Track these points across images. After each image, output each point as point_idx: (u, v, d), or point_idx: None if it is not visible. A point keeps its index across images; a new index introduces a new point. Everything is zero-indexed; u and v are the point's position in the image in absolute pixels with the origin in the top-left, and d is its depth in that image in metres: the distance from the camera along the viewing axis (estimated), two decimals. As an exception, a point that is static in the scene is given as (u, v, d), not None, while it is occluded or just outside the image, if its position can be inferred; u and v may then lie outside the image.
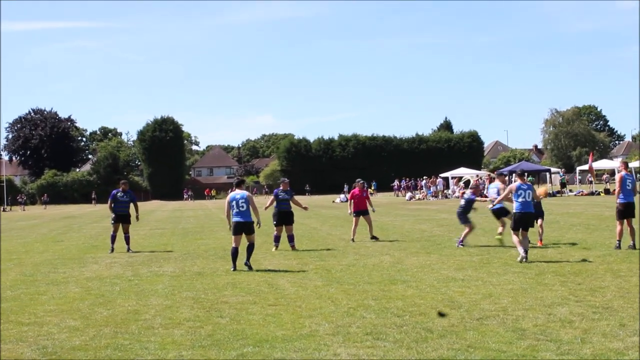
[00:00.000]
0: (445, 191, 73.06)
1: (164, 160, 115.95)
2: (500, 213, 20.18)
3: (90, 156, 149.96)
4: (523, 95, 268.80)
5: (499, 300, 11.68)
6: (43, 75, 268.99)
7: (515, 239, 16.94)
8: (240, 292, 13.31)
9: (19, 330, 10.40)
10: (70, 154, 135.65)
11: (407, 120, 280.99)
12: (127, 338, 9.66)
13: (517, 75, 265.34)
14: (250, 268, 16.57)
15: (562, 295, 11.90)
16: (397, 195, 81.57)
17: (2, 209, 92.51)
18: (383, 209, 48.03)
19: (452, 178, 76.89)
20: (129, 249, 22.36)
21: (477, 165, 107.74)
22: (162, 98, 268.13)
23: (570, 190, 67.08)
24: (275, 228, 21.14)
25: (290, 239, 21.25)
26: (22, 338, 9.87)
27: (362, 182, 24.57)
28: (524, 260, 16.33)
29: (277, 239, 21.15)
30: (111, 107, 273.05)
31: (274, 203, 21.53)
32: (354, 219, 23.61)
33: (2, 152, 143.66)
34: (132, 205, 22.71)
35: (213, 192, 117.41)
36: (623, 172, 18.74)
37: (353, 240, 23.13)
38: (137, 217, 23.00)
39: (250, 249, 16.85)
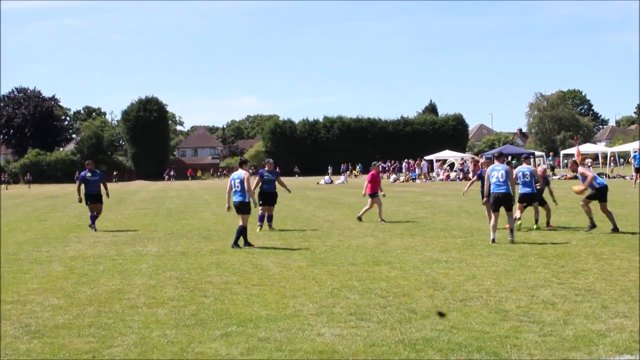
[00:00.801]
0: (429, 174, 73.20)
1: (148, 141, 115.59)
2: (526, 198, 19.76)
3: (74, 136, 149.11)
4: (508, 79, 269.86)
5: (483, 281, 11.73)
6: (27, 54, 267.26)
7: (492, 221, 17.06)
8: (225, 272, 13.30)
9: (2, 309, 10.36)
10: (54, 133, 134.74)
11: (392, 103, 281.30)
12: (111, 317, 9.64)
13: (503, 59, 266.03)
14: (238, 246, 16.76)
15: (545, 278, 11.96)
16: (382, 178, 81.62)
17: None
18: (367, 190, 48.06)
19: (437, 161, 77.10)
20: (94, 228, 22.45)
21: (461, 148, 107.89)
22: (146, 78, 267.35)
23: (554, 174, 67.32)
24: (259, 208, 21.13)
25: (269, 218, 21.45)
26: (5, 316, 9.84)
27: (378, 164, 24.59)
28: (493, 242, 16.69)
29: (261, 219, 21.22)
30: (95, 86, 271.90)
31: (260, 183, 21.50)
32: (369, 200, 23.54)
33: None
34: (102, 184, 22.84)
35: (199, 173, 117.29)
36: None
37: (360, 219, 23.17)
38: (107, 194, 23.29)
39: (241, 231, 16.94)
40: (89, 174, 22.73)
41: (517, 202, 18.98)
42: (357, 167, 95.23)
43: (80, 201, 23.08)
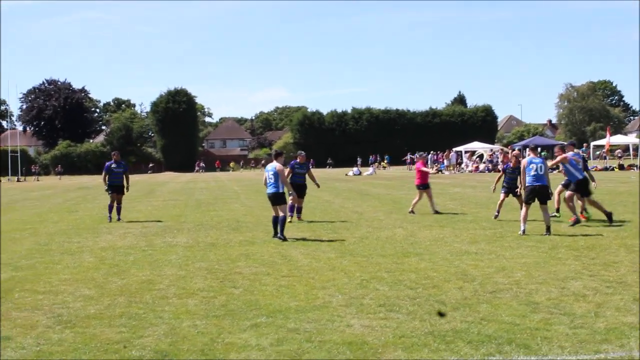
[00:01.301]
0: (458, 165, 72.94)
1: (177, 132, 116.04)
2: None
3: (104, 127, 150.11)
4: (538, 70, 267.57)
5: (512, 273, 11.68)
6: (57, 46, 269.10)
7: (523, 212, 17.07)
8: (254, 263, 13.35)
9: (34, 299, 10.47)
10: (84, 124, 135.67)
11: (421, 94, 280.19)
12: (142, 307, 9.71)
13: (532, 50, 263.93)
14: (283, 239, 16.60)
15: (576, 270, 11.89)
16: (410, 169, 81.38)
17: (16, 179, 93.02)
18: (396, 182, 48.04)
19: (466, 152, 76.77)
20: (119, 219, 22.90)
21: (490, 140, 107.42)
22: (175, 70, 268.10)
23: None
24: (290, 198, 21.05)
25: (298, 210, 21.54)
26: (38, 306, 9.94)
27: (425, 155, 24.52)
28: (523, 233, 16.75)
29: (291, 209, 21.08)
30: (125, 78, 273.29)
31: (290, 175, 21.38)
32: (418, 191, 23.35)
33: (16, 123, 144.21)
34: (124, 176, 23.16)
35: (232, 164, 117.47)
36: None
37: (412, 212, 22.88)
38: (127, 188, 23.52)
39: (281, 221, 16.91)
40: (114, 165, 23.15)
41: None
42: (385, 158, 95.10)
43: (107, 190, 23.27)
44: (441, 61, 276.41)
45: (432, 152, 78.96)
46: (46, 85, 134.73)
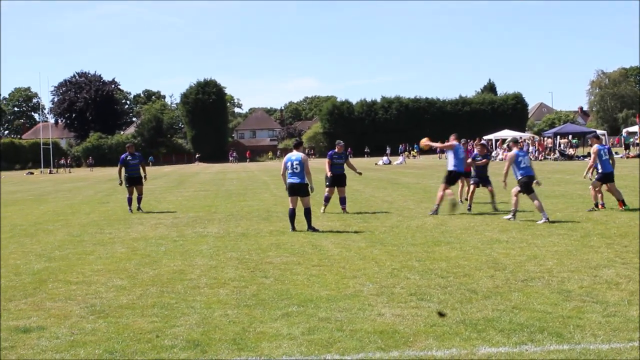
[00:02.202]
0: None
1: (207, 123, 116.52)
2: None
3: (134, 119, 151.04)
4: (568, 57, 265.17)
5: (544, 262, 11.61)
6: (87, 39, 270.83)
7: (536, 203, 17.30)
8: (284, 253, 13.38)
9: (67, 289, 10.58)
10: (115, 116, 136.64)
11: (451, 83, 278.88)
12: (174, 297, 9.77)
13: (563, 36, 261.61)
14: (314, 230, 16.50)
15: (608, 258, 11.80)
16: (440, 158, 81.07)
17: (48, 172, 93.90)
18: (426, 171, 47.95)
19: (496, 140, 76.32)
20: (139, 208, 23.36)
21: (521, 128, 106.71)
22: (205, 61, 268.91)
23: (617, 153, 66.20)
24: (327, 189, 21.02)
25: (342, 201, 20.99)
26: (71, 296, 10.04)
27: (466, 141, 24.34)
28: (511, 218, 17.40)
29: (327, 200, 21.01)
30: (154, 70, 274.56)
31: (330, 165, 21.02)
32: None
33: (47, 115, 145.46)
34: (141, 167, 23.46)
35: (270, 154, 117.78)
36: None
37: (461, 201, 22.23)
38: (145, 177, 23.75)
39: (307, 214, 16.73)
40: (129, 157, 23.36)
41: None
42: (415, 147, 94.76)
43: (121, 184, 23.75)
44: (471, 49, 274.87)
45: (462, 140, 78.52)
46: (77, 77, 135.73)
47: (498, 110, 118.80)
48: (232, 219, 20.00)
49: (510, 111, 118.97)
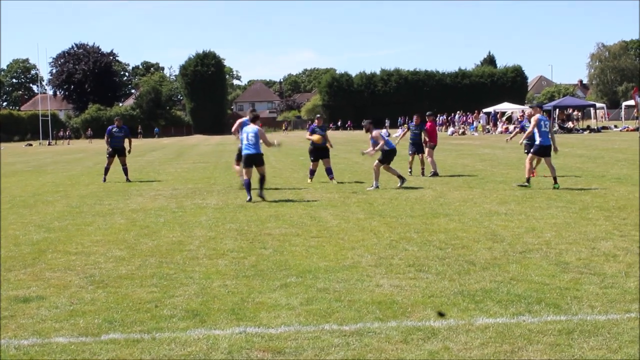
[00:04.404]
0: (487, 126, 72.39)
1: (206, 95, 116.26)
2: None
3: (133, 91, 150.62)
4: (568, 29, 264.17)
5: (542, 234, 11.64)
6: (85, 10, 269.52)
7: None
8: (283, 225, 13.40)
9: (67, 260, 10.60)
10: (113, 88, 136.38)
11: (450, 55, 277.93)
12: (172, 268, 9.80)
13: (563, 8, 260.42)
14: (263, 199, 17.11)
15: (606, 230, 11.82)
16: (440, 130, 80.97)
17: (47, 143, 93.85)
18: (425, 144, 47.80)
19: (495, 113, 76.12)
20: (127, 179, 24.26)
21: (520, 101, 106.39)
22: (204, 33, 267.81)
23: (615, 126, 66.13)
24: (311, 163, 21.65)
25: (329, 171, 21.52)
26: (70, 267, 10.07)
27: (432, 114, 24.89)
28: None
29: (312, 173, 21.70)
30: (153, 42, 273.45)
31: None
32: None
33: (46, 87, 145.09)
34: (126, 140, 24.44)
35: (283, 126, 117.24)
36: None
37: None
38: (129, 151, 24.67)
39: (262, 181, 17.37)
40: (115, 129, 24.39)
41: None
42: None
43: (108, 154, 24.54)
44: (470, 21, 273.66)
45: (459, 112, 78.71)
46: (75, 49, 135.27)
47: (497, 83, 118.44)
48: (231, 190, 20.02)
49: (509, 84, 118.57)
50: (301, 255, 10.41)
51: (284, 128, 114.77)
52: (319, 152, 21.55)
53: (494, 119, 71.67)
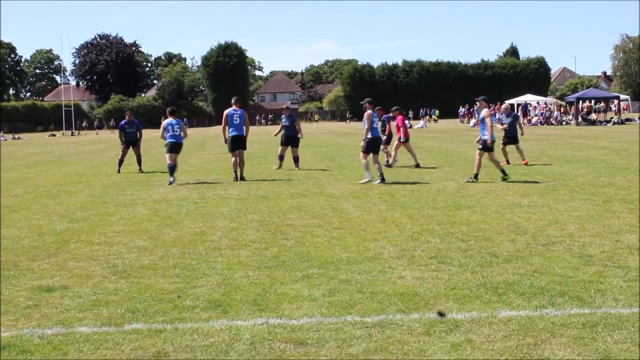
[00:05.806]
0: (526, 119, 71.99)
1: (228, 86, 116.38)
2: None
3: (155, 81, 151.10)
4: (592, 21, 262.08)
5: (565, 226, 11.56)
6: (108, 1, 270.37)
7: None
8: (305, 216, 13.40)
9: (89, 250, 10.66)
10: (136, 79, 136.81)
11: (473, 47, 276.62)
12: (195, 258, 9.83)
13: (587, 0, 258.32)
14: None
15: (631, 223, 11.73)
16: (462, 122, 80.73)
17: (70, 133, 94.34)
18: (447, 135, 47.75)
19: (517, 105, 75.75)
20: (140, 170, 24.73)
21: (543, 92, 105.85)
22: (226, 24, 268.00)
23: (638, 118, 65.64)
24: (280, 147, 24.21)
25: (296, 160, 23.88)
26: (93, 257, 10.12)
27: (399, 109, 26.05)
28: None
29: (280, 158, 24.04)
30: (176, 33, 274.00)
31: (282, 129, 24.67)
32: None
33: (69, 77, 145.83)
34: (138, 133, 25.21)
35: (316, 117, 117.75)
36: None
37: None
38: (139, 141, 25.63)
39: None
40: (127, 126, 25.06)
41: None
42: (436, 111, 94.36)
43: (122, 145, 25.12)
44: (494, 12, 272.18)
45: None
46: (98, 40, 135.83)
47: (520, 75, 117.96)
48: (252, 181, 20.04)
49: (532, 75, 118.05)
50: (323, 247, 10.40)
51: (316, 119, 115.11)
52: (290, 139, 23.98)
53: (525, 109, 71.00)
